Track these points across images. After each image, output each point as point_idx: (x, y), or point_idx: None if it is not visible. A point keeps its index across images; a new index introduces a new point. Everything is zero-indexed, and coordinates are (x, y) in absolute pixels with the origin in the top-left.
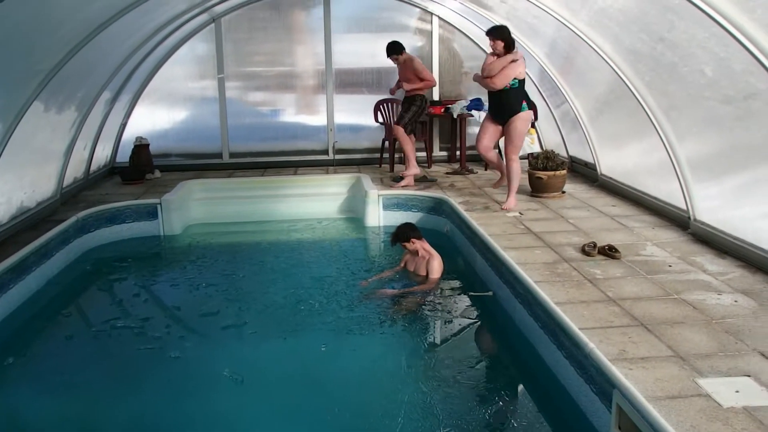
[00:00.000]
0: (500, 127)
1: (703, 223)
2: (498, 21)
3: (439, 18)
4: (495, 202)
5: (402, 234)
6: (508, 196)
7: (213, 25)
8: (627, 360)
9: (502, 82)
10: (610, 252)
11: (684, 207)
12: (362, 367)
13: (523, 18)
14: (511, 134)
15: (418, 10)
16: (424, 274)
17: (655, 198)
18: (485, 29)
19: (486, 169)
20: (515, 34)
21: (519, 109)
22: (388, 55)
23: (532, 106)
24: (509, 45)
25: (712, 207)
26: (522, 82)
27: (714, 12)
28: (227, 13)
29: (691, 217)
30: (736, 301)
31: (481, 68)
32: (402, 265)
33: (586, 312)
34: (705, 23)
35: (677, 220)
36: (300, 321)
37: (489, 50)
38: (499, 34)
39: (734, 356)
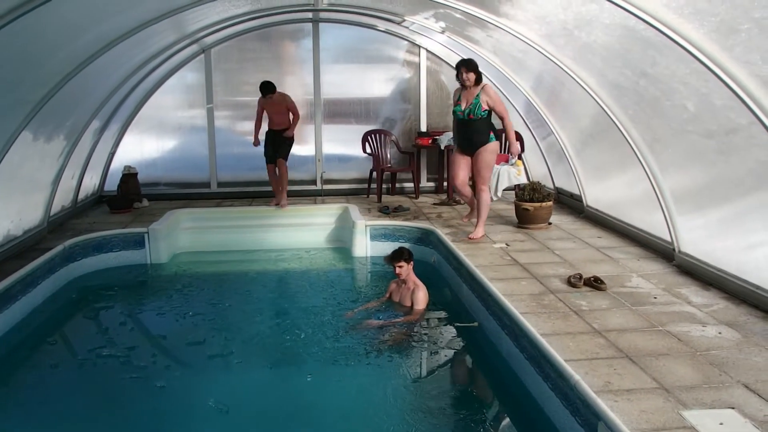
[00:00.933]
0: (469, 159)
1: (687, 255)
2: (485, 55)
3: (427, 51)
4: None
5: (402, 254)
6: (476, 225)
7: (203, 55)
8: (612, 392)
9: (507, 115)
10: (595, 283)
11: (669, 239)
12: (348, 398)
13: (509, 52)
14: (479, 165)
15: (406, 42)
16: (409, 305)
17: (640, 230)
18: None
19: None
20: (501, 67)
21: (487, 140)
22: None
23: (499, 137)
24: (479, 77)
25: (697, 239)
26: (490, 112)
27: (694, 49)
28: (217, 44)
29: (676, 249)
30: (720, 333)
31: (497, 107)
32: (387, 296)
33: (571, 343)
34: (686, 59)
35: (662, 251)
36: (286, 351)
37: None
38: (471, 66)
39: (718, 388)
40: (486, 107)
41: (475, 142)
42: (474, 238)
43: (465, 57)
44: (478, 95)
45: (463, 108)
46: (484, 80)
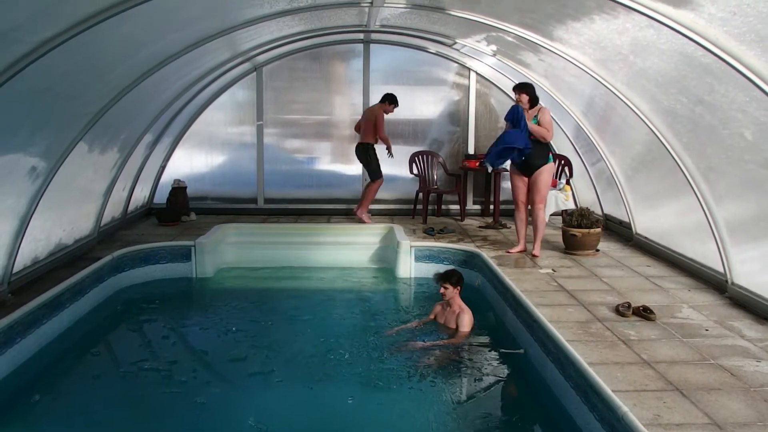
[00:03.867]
0: (527, 180)
1: (740, 287)
2: (536, 78)
3: (477, 73)
4: (527, 258)
5: (453, 277)
6: (535, 243)
7: (255, 73)
8: (661, 426)
9: (550, 134)
10: (644, 313)
11: (721, 270)
12: (389, 423)
13: (560, 76)
14: (538, 185)
15: (455, 65)
16: (454, 327)
17: (691, 259)
18: None
19: (494, 222)
20: (552, 90)
21: (545, 162)
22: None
23: (557, 160)
24: (534, 100)
25: (751, 271)
26: None
27: (755, 76)
28: (269, 62)
29: (729, 281)
30: None
31: (544, 125)
32: (432, 317)
33: (619, 374)
34: (746, 87)
35: (714, 282)
36: (327, 371)
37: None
38: (524, 88)
39: None
40: None
41: (532, 164)
42: (537, 254)
43: (520, 81)
44: (535, 117)
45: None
46: (543, 104)
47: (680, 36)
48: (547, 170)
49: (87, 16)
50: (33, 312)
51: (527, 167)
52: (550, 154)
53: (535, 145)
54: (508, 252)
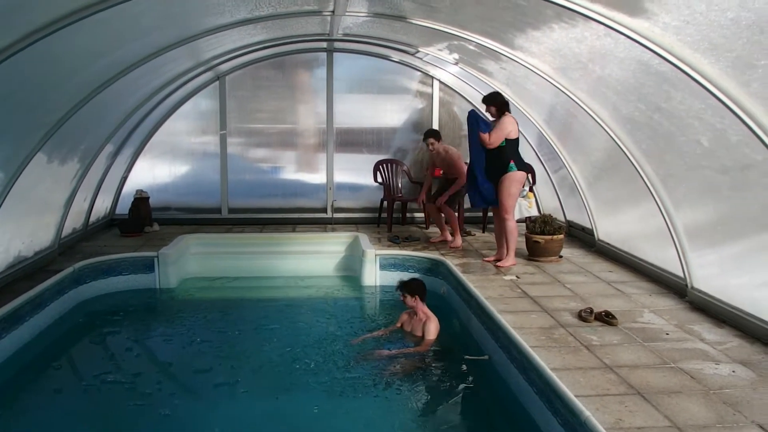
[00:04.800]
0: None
1: (700, 291)
2: (497, 86)
3: (440, 81)
4: (493, 266)
5: (410, 285)
6: (507, 254)
7: (217, 82)
8: (623, 429)
9: (495, 140)
10: (607, 318)
11: (681, 274)
12: (355, 430)
13: (522, 85)
14: (500, 194)
15: (419, 73)
16: (420, 335)
17: (652, 265)
18: (484, 93)
19: (483, 232)
20: (514, 99)
21: (506, 169)
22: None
23: (524, 167)
24: (501, 107)
25: (710, 275)
26: (512, 141)
27: (710, 84)
28: (232, 71)
29: (689, 285)
30: (734, 372)
31: (493, 133)
32: (398, 324)
33: (582, 379)
34: (701, 95)
35: (674, 287)
36: (294, 380)
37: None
38: (489, 100)
39: (732, 428)
40: (505, 137)
41: (497, 170)
42: (503, 266)
43: (487, 93)
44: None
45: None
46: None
47: (637, 44)
48: (508, 179)
49: (42, 25)
50: None
51: (492, 171)
52: (512, 162)
53: (491, 158)
54: (483, 260)
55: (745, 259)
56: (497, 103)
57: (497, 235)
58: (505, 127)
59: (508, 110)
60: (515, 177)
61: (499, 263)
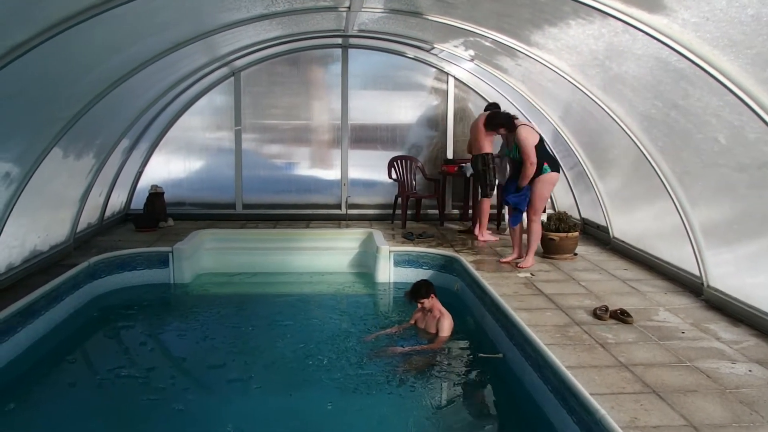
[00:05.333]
0: None
1: (716, 290)
2: (512, 83)
3: (455, 78)
4: (508, 264)
5: (421, 290)
6: (526, 255)
7: (232, 78)
8: (638, 428)
9: (532, 156)
10: (622, 316)
11: (697, 273)
12: (368, 428)
13: (537, 81)
14: (532, 194)
15: (434, 70)
16: (434, 332)
17: (668, 263)
18: (499, 90)
19: (498, 229)
20: (529, 95)
21: (540, 172)
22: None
23: (557, 167)
24: (509, 125)
25: (726, 274)
26: (537, 146)
27: (728, 81)
28: (247, 67)
29: (705, 284)
30: (750, 371)
31: (523, 152)
32: (412, 321)
33: (597, 377)
34: (719, 92)
35: (690, 285)
36: (307, 377)
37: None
38: (494, 126)
39: (749, 428)
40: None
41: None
42: (523, 266)
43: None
44: (515, 144)
45: (508, 152)
46: (523, 120)
47: (655, 41)
48: (541, 181)
49: (59, 20)
50: (7, 320)
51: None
52: (545, 165)
53: (520, 162)
54: (500, 262)
55: (762, 258)
56: (501, 123)
57: (513, 234)
58: (527, 140)
59: (515, 120)
60: (549, 179)
61: (519, 264)
